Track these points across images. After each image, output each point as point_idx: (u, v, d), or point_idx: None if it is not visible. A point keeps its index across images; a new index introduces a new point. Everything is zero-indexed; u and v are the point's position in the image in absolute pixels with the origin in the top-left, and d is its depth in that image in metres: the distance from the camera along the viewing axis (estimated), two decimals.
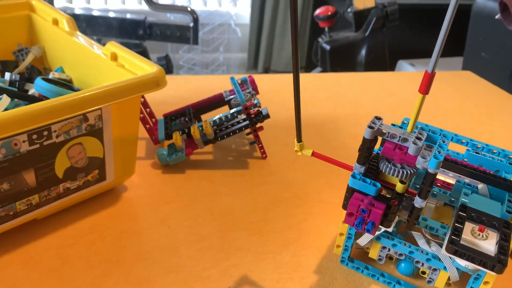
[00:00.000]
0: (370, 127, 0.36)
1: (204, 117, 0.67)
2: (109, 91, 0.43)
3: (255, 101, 0.60)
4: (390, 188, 0.38)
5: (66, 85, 0.56)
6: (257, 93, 0.66)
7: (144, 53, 1.28)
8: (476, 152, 0.46)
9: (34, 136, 0.41)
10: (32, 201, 0.45)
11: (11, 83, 0.57)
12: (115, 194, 0.54)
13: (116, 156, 0.50)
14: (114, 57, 0.52)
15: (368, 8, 1.21)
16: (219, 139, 0.58)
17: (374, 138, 0.37)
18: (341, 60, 1.20)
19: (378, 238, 0.42)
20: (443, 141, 0.36)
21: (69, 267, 0.44)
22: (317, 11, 1.22)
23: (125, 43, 1.27)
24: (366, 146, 0.36)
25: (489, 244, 0.34)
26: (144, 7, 2.51)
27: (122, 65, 0.51)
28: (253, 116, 0.59)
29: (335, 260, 0.47)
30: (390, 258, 0.46)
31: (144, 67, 0.49)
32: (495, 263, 0.32)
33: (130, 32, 1.21)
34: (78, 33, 0.58)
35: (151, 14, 1.44)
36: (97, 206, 0.52)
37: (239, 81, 0.66)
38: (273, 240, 0.49)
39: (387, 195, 0.37)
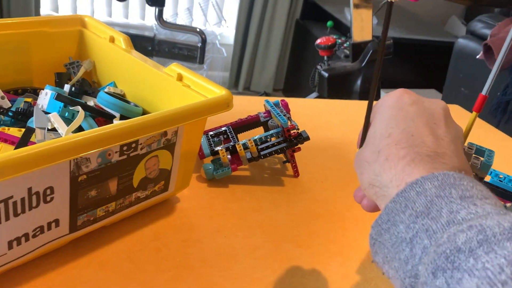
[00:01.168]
0: None
1: (240, 136, 0.71)
2: (189, 111, 0.48)
3: (294, 124, 0.66)
4: None
5: (124, 99, 0.60)
6: (290, 116, 0.71)
7: None
8: (500, 181, 0.53)
9: (125, 148, 0.45)
10: (109, 208, 0.48)
11: (70, 94, 0.60)
12: (169, 204, 0.58)
13: (180, 169, 0.54)
14: (180, 78, 0.56)
15: (366, 41, 1.31)
16: (262, 157, 0.63)
17: None
18: (338, 87, 1.29)
19: None
20: (490, 153, 0.43)
21: (142, 271, 0.47)
22: (318, 41, 1.31)
23: None
24: None
25: None
26: (146, 22, 2.55)
27: (188, 86, 0.55)
28: (293, 137, 0.64)
29: (376, 270, 0.53)
30: None
31: (211, 89, 0.53)
32: None
33: (139, 48, 1.25)
34: (135, 51, 0.62)
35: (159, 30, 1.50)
36: (156, 215, 0.55)
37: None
38: (319, 252, 0.54)
39: None
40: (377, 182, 0.34)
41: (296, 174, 0.69)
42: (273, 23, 2.78)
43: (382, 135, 0.35)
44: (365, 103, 1.05)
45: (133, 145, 0.46)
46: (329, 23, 2.22)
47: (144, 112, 0.60)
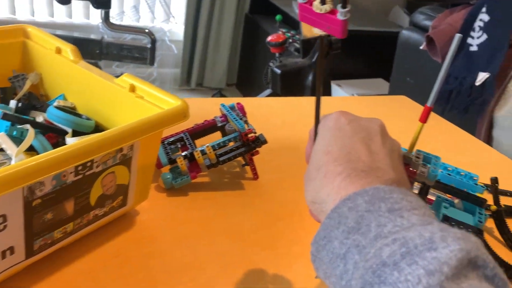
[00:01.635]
0: None
1: (197, 142, 0.71)
2: (145, 124, 0.47)
3: (251, 127, 0.66)
4: None
5: (75, 113, 0.58)
6: (247, 119, 0.72)
7: None
8: (448, 174, 0.56)
9: (80, 168, 0.44)
10: (67, 229, 0.47)
11: (17, 110, 0.57)
12: (129, 218, 0.57)
13: (138, 182, 0.53)
14: (132, 89, 0.55)
15: (315, 36, 1.32)
16: (221, 163, 0.63)
17: None
18: (291, 83, 1.30)
19: None
20: (436, 161, 0.46)
21: None
22: (269, 38, 1.32)
23: None
24: None
25: None
26: (90, 21, 2.46)
27: (142, 97, 0.54)
28: (251, 142, 0.65)
29: None
30: None
31: (166, 99, 0.53)
32: None
33: (86, 52, 1.20)
34: (84, 62, 0.61)
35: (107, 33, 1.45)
36: (116, 230, 0.54)
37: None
38: (283, 255, 0.55)
39: None
40: (317, 199, 0.35)
41: (255, 176, 0.70)
42: (222, 18, 2.77)
43: (322, 152, 0.37)
44: (325, 98, 1.07)
45: (88, 164, 0.45)
46: (278, 17, 2.24)
47: (97, 125, 0.59)
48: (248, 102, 0.98)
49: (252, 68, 2.81)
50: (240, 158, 0.74)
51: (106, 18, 1.21)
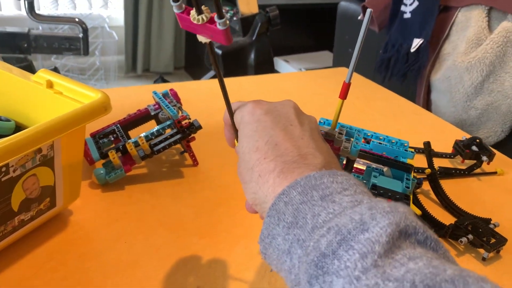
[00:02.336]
0: None
1: (131, 133, 0.69)
2: (63, 122, 0.45)
3: (185, 114, 0.65)
4: None
5: None
6: (181, 105, 0.70)
7: (29, 67, 1.20)
8: (379, 143, 0.57)
9: None
10: None
11: None
12: (62, 218, 0.55)
13: (65, 182, 0.51)
14: (50, 85, 0.52)
15: (253, 14, 1.31)
16: (156, 153, 0.62)
17: None
18: (233, 63, 1.29)
19: None
20: (358, 135, 0.46)
21: None
22: None
23: (8, 58, 1.18)
24: None
25: None
26: (23, 12, 2.32)
27: (60, 92, 0.52)
28: (185, 128, 0.63)
29: None
30: None
31: (85, 93, 0.51)
32: None
33: (13, 46, 1.13)
34: None
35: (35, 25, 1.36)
36: (48, 232, 0.52)
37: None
38: (224, 240, 0.55)
39: None
40: (257, 200, 0.35)
41: (195, 163, 0.69)
42: (163, 0, 2.69)
43: (250, 149, 0.36)
44: (259, 78, 1.07)
45: (3, 169, 0.42)
46: None
47: (18, 126, 0.56)
48: (187, 86, 0.96)
49: (199, 49, 2.76)
50: (179, 146, 0.73)
51: (30, 9, 1.14)
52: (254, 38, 1.31)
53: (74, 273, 0.48)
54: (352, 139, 0.45)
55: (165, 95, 0.70)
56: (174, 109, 0.64)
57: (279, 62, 2.28)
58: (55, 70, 1.26)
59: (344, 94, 0.42)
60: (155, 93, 0.70)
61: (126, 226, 0.55)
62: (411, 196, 0.50)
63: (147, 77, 2.89)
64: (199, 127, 0.64)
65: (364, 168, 0.56)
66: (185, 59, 3.00)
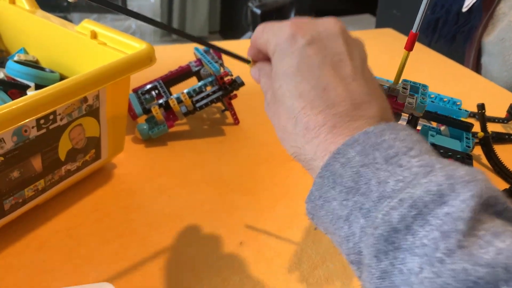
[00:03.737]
0: None
1: (173, 89, 0.68)
2: (108, 71, 0.44)
3: (227, 70, 0.63)
4: None
5: (38, 66, 0.55)
6: (223, 61, 0.69)
7: None
8: (432, 101, 0.54)
9: (42, 121, 0.41)
10: (38, 186, 0.45)
11: None
12: (106, 171, 0.55)
13: (110, 134, 0.51)
14: (94, 35, 0.51)
15: None
16: (199, 109, 0.61)
17: None
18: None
19: None
20: (424, 90, 0.43)
21: (86, 246, 0.45)
22: None
23: None
24: None
25: None
26: None
27: (104, 43, 0.51)
28: (228, 84, 0.62)
29: None
30: None
31: (130, 44, 0.50)
32: None
33: (54, 4, 1.13)
34: (41, 11, 0.56)
35: None
36: (93, 185, 0.53)
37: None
38: (265, 198, 0.54)
39: None
40: (302, 156, 0.32)
41: (236, 121, 0.67)
42: None
43: (292, 94, 0.31)
44: None
45: (51, 117, 0.42)
46: None
47: (62, 78, 0.55)
48: (227, 45, 0.94)
49: (234, 13, 2.72)
50: (219, 104, 0.72)
51: None
52: None
53: (118, 224, 0.48)
54: (415, 95, 0.42)
55: (206, 51, 0.68)
56: (216, 65, 0.63)
57: None
58: None
59: (410, 45, 0.39)
60: (196, 49, 0.68)
61: (169, 181, 0.55)
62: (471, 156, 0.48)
63: (181, 41, 2.87)
64: (242, 84, 0.62)
65: (419, 128, 0.54)
66: (220, 23, 2.96)
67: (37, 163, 0.43)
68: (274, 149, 0.62)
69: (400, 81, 0.42)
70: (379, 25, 1.62)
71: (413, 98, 0.41)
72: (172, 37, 2.84)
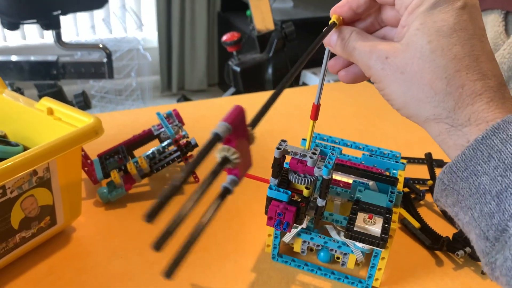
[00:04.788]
0: (277, 148, 0.45)
1: (136, 152, 0.73)
2: (55, 146, 0.49)
3: (183, 133, 0.68)
4: (300, 193, 0.48)
5: (3, 140, 0.60)
6: (183, 124, 0.74)
7: (60, 93, 1.29)
8: (370, 155, 0.58)
9: None
10: None
11: None
12: (65, 236, 0.59)
13: (64, 201, 0.55)
14: (50, 112, 0.57)
15: (269, 30, 1.34)
16: (155, 171, 0.65)
17: (282, 156, 0.46)
18: (251, 80, 1.32)
19: (298, 234, 0.52)
20: (332, 154, 0.47)
21: None
22: (224, 37, 1.33)
23: (39, 84, 1.28)
24: (277, 163, 0.46)
25: (377, 227, 0.45)
26: (46, 40, 2.47)
27: (59, 118, 0.56)
28: (183, 146, 0.66)
29: (269, 261, 0.56)
30: (311, 249, 0.56)
31: (81, 118, 0.55)
32: (379, 241, 0.43)
33: (44, 73, 1.22)
34: (8, 90, 0.62)
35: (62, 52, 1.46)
36: (50, 249, 0.56)
37: (164, 115, 0.73)
38: (215, 253, 0.57)
39: (298, 199, 0.47)
40: (449, 119, 0.30)
41: (196, 179, 0.71)
42: (195, 19, 2.78)
43: (444, 53, 0.29)
44: (269, 94, 1.09)
45: (0, 191, 0.46)
46: (248, 12, 2.24)
47: (25, 149, 0.60)
48: (205, 104, 1.00)
49: None
50: (182, 163, 0.76)
51: (58, 38, 1.23)
52: (271, 55, 1.34)
53: (70, 286, 0.51)
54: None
55: (169, 115, 0.74)
56: (173, 129, 0.67)
57: (307, 75, 2.28)
58: (83, 94, 1.35)
59: (314, 115, 0.44)
60: (158, 114, 0.73)
61: (123, 241, 0.58)
62: (398, 210, 0.50)
63: (182, 95, 2.98)
64: (196, 145, 0.67)
65: (351, 182, 0.57)
66: (219, 76, 3.07)
67: None
68: (230, 204, 0.66)
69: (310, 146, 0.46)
70: None
71: (323, 161, 0.45)
72: (172, 91, 2.95)
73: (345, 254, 0.52)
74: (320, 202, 0.46)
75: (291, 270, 0.55)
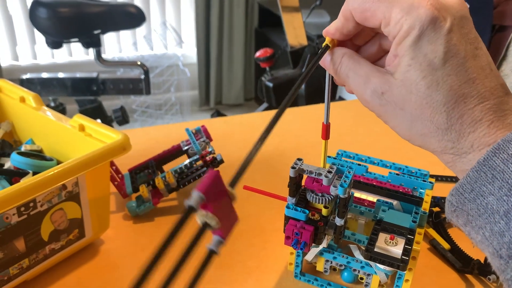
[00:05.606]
0: (292, 167, 0.45)
1: (165, 167, 0.74)
2: (84, 161, 0.51)
3: (210, 149, 0.69)
4: (319, 212, 0.47)
5: (39, 155, 0.63)
6: (211, 140, 0.75)
7: (99, 108, 1.35)
8: (397, 174, 0.56)
9: (22, 209, 0.48)
10: (23, 264, 0.51)
11: None
12: (94, 248, 0.61)
13: (92, 215, 0.57)
14: (82, 128, 0.59)
15: (302, 46, 1.34)
16: (182, 186, 0.66)
17: (299, 175, 0.46)
18: (283, 95, 1.32)
19: (321, 253, 0.51)
20: (349, 172, 0.46)
21: None
22: (257, 54, 1.35)
23: (80, 100, 1.34)
24: (293, 182, 0.46)
25: (398, 248, 0.43)
26: (91, 57, 2.59)
27: (90, 135, 0.58)
28: (209, 162, 0.67)
29: (291, 279, 0.56)
30: (334, 269, 0.55)
31: (110, 135, 0.57)
32: (400, 263, 0.42)
33: (84, 90, 1.28)
34: (45, 107, 0.66)
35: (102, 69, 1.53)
36: (80, 261, 0.58)
37: (193, 131, 0.75)
38: (237, 270, 0.57)
39: (317, 219, 0.46)
40: (454, 149, 0.31)
41: None
42: (232, 36, 2.82)
43: (440, 87, 0.30)
44: (300, 109, 1.09)
45: (31, 204, 0.49)
46: None
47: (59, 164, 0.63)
48: (235, 120, 1.01)
49: None
50: None
51: (98, 55, 1.28)
52: (304, 70, 1.34)
53: None
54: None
55: (197, 131, 0.75)
56: (200, 145, 0.69)
57: (342, 89, 2.27)
58: (121, 109, 1.40)
59: (326, 135, 0.43)
60: (187, 130, 0.75)
61: (150, 255, 0.59)
62: (423, 230, 0.49)
63: (219, 109, 3.02)
64: (221, 161, 0.67)
65: (375, 201, 0.56)
66: (255, 90, 3.09)
67: (20, 244, 0.50)
68: (253, 222, 0.66)
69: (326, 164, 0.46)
70: None
71: (339, 180, 0.44)
72: (210, 105, 3.00)
73: (368, 274, 0.51)
74: (338, 221, 0.45)
75: None
